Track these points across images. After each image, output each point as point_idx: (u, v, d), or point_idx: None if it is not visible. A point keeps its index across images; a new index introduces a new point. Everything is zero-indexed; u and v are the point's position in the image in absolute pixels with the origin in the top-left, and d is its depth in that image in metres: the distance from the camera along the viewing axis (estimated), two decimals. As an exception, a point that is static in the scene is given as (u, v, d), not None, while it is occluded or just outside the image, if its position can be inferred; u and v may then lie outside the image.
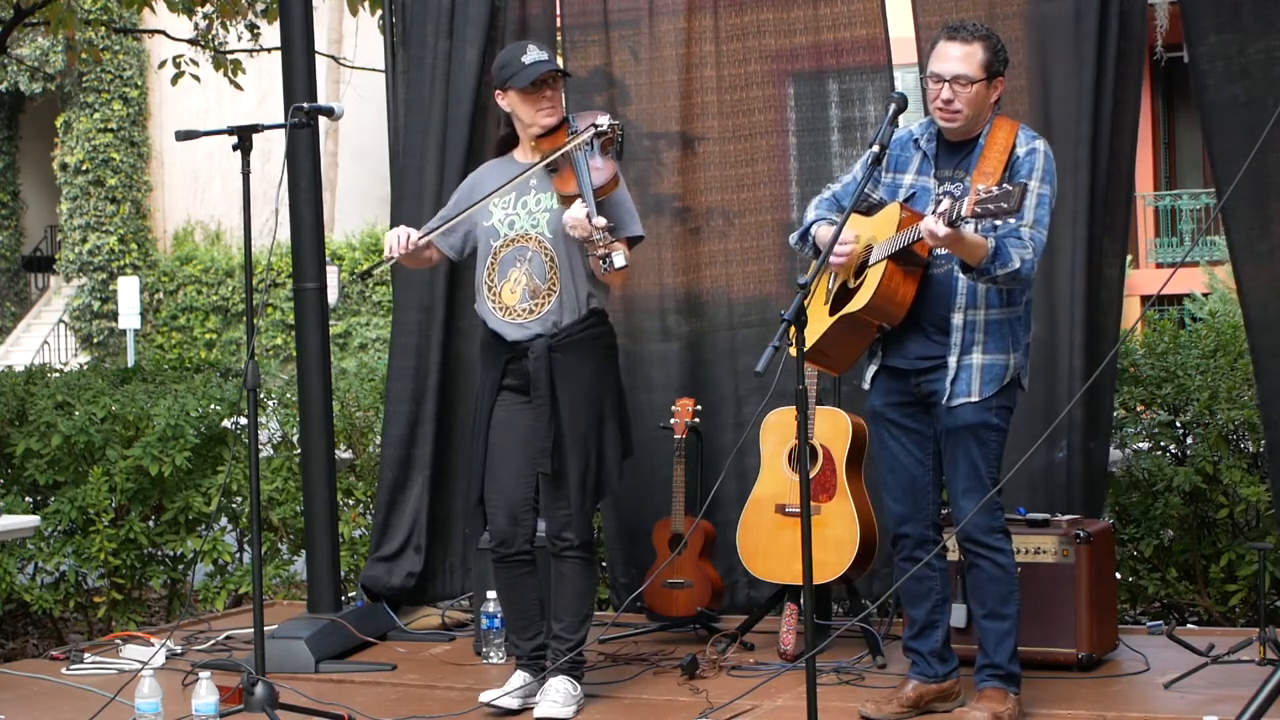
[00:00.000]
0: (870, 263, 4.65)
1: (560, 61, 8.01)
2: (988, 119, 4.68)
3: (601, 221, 4.80)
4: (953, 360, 4.63)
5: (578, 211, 4.83)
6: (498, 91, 5.11)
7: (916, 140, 4.79)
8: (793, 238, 4.98)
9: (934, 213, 4.40)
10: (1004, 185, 4.29)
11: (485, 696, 5.03)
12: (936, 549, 4.75)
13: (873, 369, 4.83)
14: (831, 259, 4.61)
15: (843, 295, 4.72)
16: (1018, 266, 4.45)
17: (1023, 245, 4.49)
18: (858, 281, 4.68)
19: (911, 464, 4.79)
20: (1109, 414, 5.96)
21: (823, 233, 4.79)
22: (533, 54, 5.05)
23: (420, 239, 5.09)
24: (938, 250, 4.62)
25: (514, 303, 5.05)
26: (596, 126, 4.95)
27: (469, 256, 5.25)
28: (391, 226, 6.41)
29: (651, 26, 6.48)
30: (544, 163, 5.00)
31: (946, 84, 4.60)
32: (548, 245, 5.03)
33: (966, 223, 4.35)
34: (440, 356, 6.43)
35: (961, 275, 4.58)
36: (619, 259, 4.80)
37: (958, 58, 4.59)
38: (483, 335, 5.19)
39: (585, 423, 5.02)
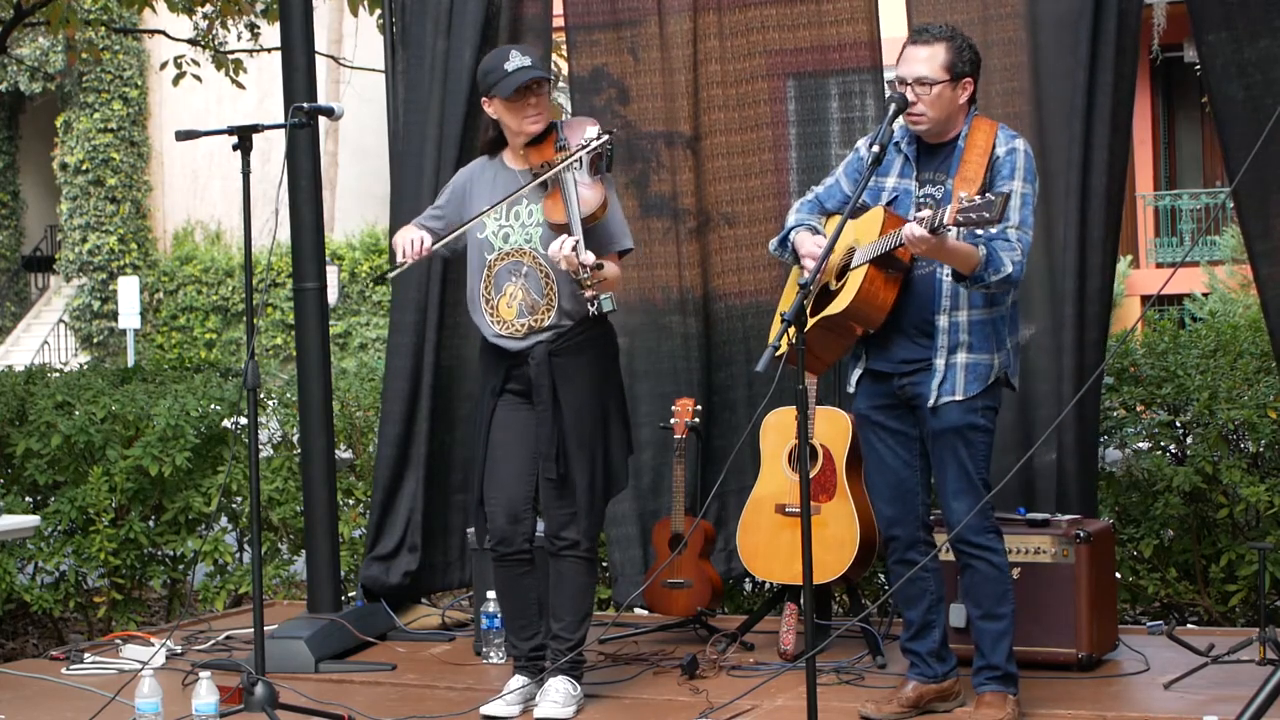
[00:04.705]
0: (852, 266, 4.64)
1: (558, 62, 7.94)
2: (964, 120, 4.67)
3: (590, 258, 4.72)
4: (939, 362, 4.62)
5: (566, 248, 4.74)
6: (484, 98, 5.04)
7: (897, 143, 4.77)
8: (772, 244, 4.95)
9: (915, 218, 4.39)
10: (986, 195, 4.28)
11: (486, 710, 5.00)
12: (933, 553, 4.75)
13: (857, 372, 4.81)
14: (808, 269, 4.60)
15: (824, 297, 4.69)
16: (1010, 271, 4.45)
17: (1011, 248, 4.48)
18: (839, 284, 4.67)
19: (899, 466, 4.78)
20: (1096, 413, 5.95)
21: (802, 238, 4.78)
22: (515, 60, 4.94)
23: (430, 249, 5.01)
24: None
25: (511, 317, 5.00)
26: (585, 144, 4.86)
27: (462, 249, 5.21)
28: (391, 226, 6.43)
29: (661, 26, 6.48)
30: (535, 183, 4.94)
31: (909, 87, 4.59)
32: (542, 261, 4.96)
33: (948, 231, 4.35)
34: (435, 357, 6.42)
35: (945, 279, 4.58)
36: (607, 304, 4.75)
37: (919, 60, 4.58)
38: (483, 343, 5.15)
39: (590, 425, 4.99)
